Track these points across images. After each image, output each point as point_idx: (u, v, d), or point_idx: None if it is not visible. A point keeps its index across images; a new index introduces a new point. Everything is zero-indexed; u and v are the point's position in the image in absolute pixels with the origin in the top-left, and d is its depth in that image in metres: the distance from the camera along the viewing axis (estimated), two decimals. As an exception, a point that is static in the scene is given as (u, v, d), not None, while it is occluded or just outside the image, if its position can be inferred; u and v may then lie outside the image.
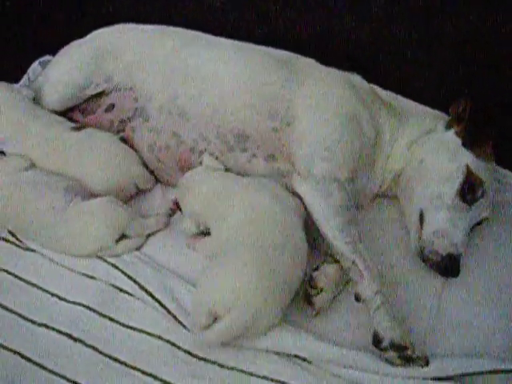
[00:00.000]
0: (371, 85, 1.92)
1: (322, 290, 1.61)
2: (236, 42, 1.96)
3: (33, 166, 1.86)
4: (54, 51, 2.17)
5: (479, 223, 1.76)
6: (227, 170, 1.83)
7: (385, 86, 1.97)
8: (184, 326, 1.58)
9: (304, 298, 1.62)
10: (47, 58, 2.33)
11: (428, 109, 1.92)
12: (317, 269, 1.65)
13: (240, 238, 1.59)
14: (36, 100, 2.00)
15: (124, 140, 1.93)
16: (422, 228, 1.72)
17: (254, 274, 1.47)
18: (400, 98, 1.93)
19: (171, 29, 2.04)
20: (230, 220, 1.64)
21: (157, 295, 1.62)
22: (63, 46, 2.13)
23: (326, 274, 1.63)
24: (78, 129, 1.92)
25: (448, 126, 1.81)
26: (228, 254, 1.56)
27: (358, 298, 1.59)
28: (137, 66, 1.96)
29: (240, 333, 1.46)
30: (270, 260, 1.51)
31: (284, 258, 1.53)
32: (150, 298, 1.63)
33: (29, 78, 2.26)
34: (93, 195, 1.79)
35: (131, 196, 1.91)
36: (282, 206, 1.64)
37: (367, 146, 1.79)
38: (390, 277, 1.71)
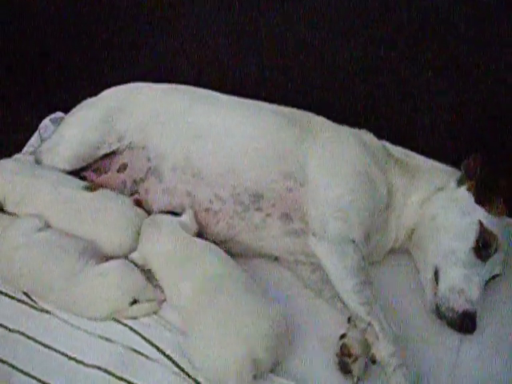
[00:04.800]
0: (381, 141, 1.93)
1: (357, 357, 1.59)
2: (247, 101, 1.99)
3: (48, 226, 1.85)
4: (64, 108, 2.18)
5: (492, 278, 1.77)
6: (241, 230, 1.85)
7: (392, 140, 1.99)
8: (205, 389, 1.56)
9: (341, 367, 1.61)
10: (58, 114, 2.35)
11: (439, 164, 1.94)
12: (344, 336, 1.64)
13: (198, 306, 1.61)
14: (48, 159, 2.00)
15: (138, 202, 1.92)
16: (437, 284, 1.72)
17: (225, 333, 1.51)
18: (411, 153, 1.95)
19: (182, 87, 2.06)
20: (183, 289, 1.67)
21: (176, 359, 1.61)
22: (74, 103, 2.16)
23: (356, 339, 1.61)
24: (91, 188, 1.92)
25: (460, 183, 1.82)
26: (196, 324, 1.59)
27: (373, 360, 1.58)
28: (149, 124, 1.97)
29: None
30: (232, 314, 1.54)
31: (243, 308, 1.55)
32: (169, 362, 1.61)
33: (40, 135, 2.26)
34: (106, 257, 1.79)
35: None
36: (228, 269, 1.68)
37: (380, 204, 1.80)
38: (406, 333, 1.71)
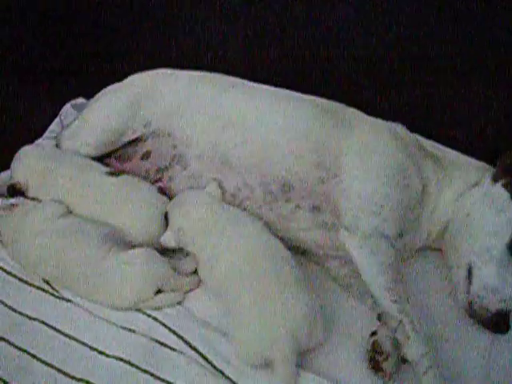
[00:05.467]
0: (414, 134, 1.89)
1: (388, 355, 1.55)
2: (278, 90, 1.94)
3: (69, 212, 1.81)
4: (86, 94, 2.13)
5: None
6: (269, 220, 1.80)
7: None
8: (231, 381, 1.52)
9: (372, 365, 1.56)
10: (80, 100, 2.31)
11: (473, 160, 1.89)
12: (375, 333, 1.60)
13: (239, 281, 1.57)
14: (70, 145, 1.96)
15: (161, 190, 1.88)
16: (470, 283, 1.68)
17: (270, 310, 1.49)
18: (444, 148, 1.91)
19: (210, 75, 2.02)
20: (222, 262, 1.63)
21: (202, 351, 1.57)
22: (96, 89, 2.11)
23: (388, 337, 1.57)
24: (114, 174, 1.88)
25: (495, 179, 1.78)
26: (236, 302, 1.55)
27: (404, 360, 1.54)
28: (175, 112, 1.93)
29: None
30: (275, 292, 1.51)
31: (281, 287, 1.53)
32: (194, 353, 1.57)
33: (61, 121, 2.21)
34: (130, 245, 1.74)
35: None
36: (271, 242, 1.64)
37: (414, 199, 1.76)
38: (436, 333, 1.67)
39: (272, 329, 1.46)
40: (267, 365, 1.47)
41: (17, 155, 1.95)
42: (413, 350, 1.52)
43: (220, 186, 1.83)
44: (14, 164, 1.94)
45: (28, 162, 1.91)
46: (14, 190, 1.88)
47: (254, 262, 1.59)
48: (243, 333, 1.51)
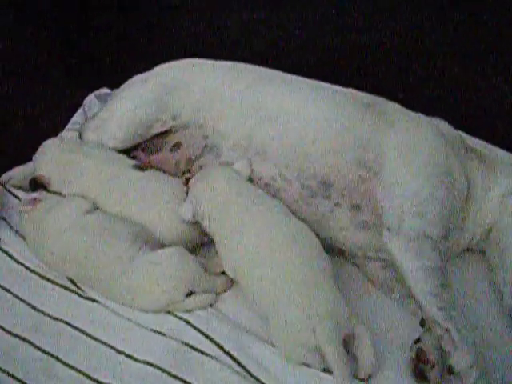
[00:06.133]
0: (458, 131, 1.81)
1: (434, 364, 1.46)
2: (316, 82, 1.85)
3: (95, 208, 1.73)
4: (110, 84, 2.04)
5: None
6: (306, 217, 1.71)
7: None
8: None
9: (416, 374, 1.48)
10: (104, 90, 2.23)
11: (520, 158, 1.80)
12: (419, 340, 1.51)
13: (261, 268, 1.50)
14: (96, 137, 1.89)
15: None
16: None
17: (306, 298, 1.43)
18: (489, 145, 1.83)
19: (243, 65, 1.94)
20: (242, 246, 1.55)
21: (236, 356, 1.49)
22: (121, 79, 2.03)
23: (433, 345, 1.49)
24: (141, 168, 1.80)
25: None
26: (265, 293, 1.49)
27: (450, 371, 1.45)
28: (207, 103, 1.84)
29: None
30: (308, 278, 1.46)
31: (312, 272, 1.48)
32: (229, 359, 1.49)
33: (85, 112, 2.13)
34: (159, 244, 1.67)
35: (198, 246, 1.77)
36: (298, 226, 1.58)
37: (459, 199, 1.67)
38: (482, 340, 1.58)
39: (311, 314, 1.40)
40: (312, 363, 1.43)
41: (40, 148, 1.87)
42: (460, 360, 1.43)
43: (253, 174, 1.75)
44: (37, 157, 1.86)
45: (51, 155, 1.83)
46: (37, 184, 1.80)
47: (280, 247, 1.52)
48: (281, 327, 1.45)
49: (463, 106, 2.08)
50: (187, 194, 1.70)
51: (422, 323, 1.57)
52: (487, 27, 1.91)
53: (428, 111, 1.84)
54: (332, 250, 1.72)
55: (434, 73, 2.09)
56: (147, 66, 2.01)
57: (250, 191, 1.67)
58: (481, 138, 1.90)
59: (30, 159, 1.90)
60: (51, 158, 1.83)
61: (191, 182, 1.71)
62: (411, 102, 1.85)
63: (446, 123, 1.81)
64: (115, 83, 2.06)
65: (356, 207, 1.68)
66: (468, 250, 1.80)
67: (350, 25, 2.10)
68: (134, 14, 2.30)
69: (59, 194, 1.79)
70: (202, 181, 1.68)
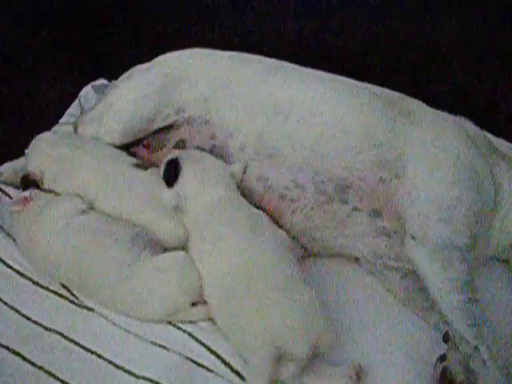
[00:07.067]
0: (483, 131, 1.71)
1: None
2: (330, 75, 1.72)
3: (91, 208, 1.60)
4: (108, 75, 1.91)
5: None
6: (323, 224, 1.61)
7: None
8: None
9: None
10: (101, 81, 2.12)
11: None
12: (444, 358, 1.40)
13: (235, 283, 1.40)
14: (92, 131, 1.77)
15: None
16: None
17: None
18: (515, 146, 1.70)
19: (250, 56, 1.81)
20: (222, 255, 1.45)
21: (243, 372, 1.38)
22: (119, 69, 1.90)
23: (460, 364, 1.37)
24: (143, 166, 1.68)
25: None
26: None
27: None
28: (213, 96, 1.72)
29: None
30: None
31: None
32: (235, 376, 1.38)
33: (80, 103, 2.00)
34: (162, 248, 1.55)
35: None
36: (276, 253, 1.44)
37: (487, 204, 1.57)
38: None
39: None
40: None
41: (32, 142, 1.76)
42: (490, 381, 1.34)
43: (265, 183, 1.63)
44: (30, 152, 1.75)
45: (44, 150, 1.71)
46: (28, 182, 1.68)
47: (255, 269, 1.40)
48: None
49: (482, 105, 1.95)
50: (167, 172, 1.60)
51: (446, 338, 1.46)
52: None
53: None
54: (347, 256, 1.64)
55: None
56: (148, 57, 1.88)
57: (239, 203, 1.56)
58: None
59: (23, 154, 1.79)
60: (44, 153, 1.71)
61: (185, 161, 1.60)
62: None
63: (472, 123, 1.70)
64: (113, 74, 1.94)
65: (376, 212, 1.58)
66: (490, 259, 1.70)
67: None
68: (134, 2, 2.16)
69: (52, 192, 1.67)
70: (199, 171, 1.58)
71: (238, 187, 1.62)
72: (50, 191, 1.68)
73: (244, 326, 1.33)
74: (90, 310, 1.53)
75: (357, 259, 1.68)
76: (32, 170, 1.70)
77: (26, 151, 1.76)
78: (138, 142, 1.78)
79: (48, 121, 1.94)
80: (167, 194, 1.56)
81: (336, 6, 1.97)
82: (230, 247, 1.44)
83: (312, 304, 1.35)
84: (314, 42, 2.06)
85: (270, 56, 1.80)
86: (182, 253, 1.52)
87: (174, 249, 1.56)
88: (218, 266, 1.43)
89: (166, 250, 1.55)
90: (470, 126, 1.68)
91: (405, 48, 1.95)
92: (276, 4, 2.05)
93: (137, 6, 2.16)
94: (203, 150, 1.69)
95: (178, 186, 1.57)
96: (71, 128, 1.82)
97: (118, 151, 1.73)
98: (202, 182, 1.57)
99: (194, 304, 1.48)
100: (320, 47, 2.05)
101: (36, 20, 2.02)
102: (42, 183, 1.69)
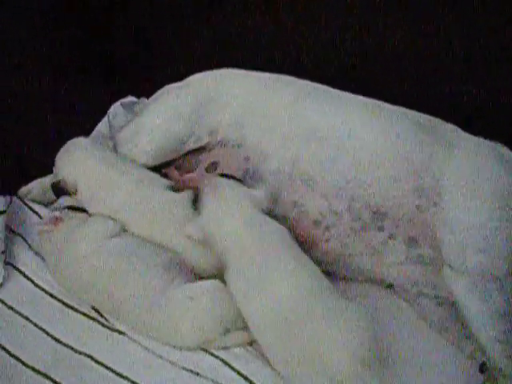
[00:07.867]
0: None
1: None
2: (365, 99, 1.70)
3: (123, 231, 1.58)
4: (137, 93, 1.89)
5: None
6: (358, 252, 1.59)
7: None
8: None
9: None
10: (130, 99, 2.09)
11: None
12: None
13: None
14: (124, 151, 1.73)
15: None
16: None
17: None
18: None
19: (287, 78, 1.77)
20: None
21: None
22: (148, 87, 1.90)
23: None
24: (177, 189, 1.64)
25: None
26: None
27: None
28: (248, 119, 1.69)
29: None
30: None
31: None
32: None
33: (109, 121, 1.99)
34: (195, 276, 1.53)
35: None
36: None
37: None
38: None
39: None
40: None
41: (65, 146, 1.71)
42: None
43: (299, 209, 1.60)
44: (61, 156, 1.70)
45: (79, 158, 1.66)
46: (59, 190, 1.64)
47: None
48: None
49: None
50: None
51: (483, 369, 1.44)
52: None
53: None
54: (381, 283, 1.62)
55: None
56: (173, 74, 1.87)
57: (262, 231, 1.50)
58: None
59: (51, 171, 1.74)
60: (79, 160, 1.66)
61: (204, 193, 1.56)
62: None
63: (507, 149, 1.66)
64: (143, 92, 1.94)
65: (412, 240, 1.55)
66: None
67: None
68: (165, 19, 2.15)
69: (82, 210, 1.64)
70: (218, 201, 1.53)
71: (268, 213, 1.57)
72: (81, 209, 1.64)
73: (301, 358, 1.31)
74: (121, 333, 1.51)
75: (390, 285, 1.65)
76: (64, 177, 1.66)
77: (57, 156, 1.70)
78: (169, 163, 1.76)
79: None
80: (193, 228, 1.53)
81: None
82: (276, 279, 1.40)
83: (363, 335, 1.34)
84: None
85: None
86: (215, 281, 1.48)
87: (205, 273, 1.54)
88: (266, 302, 1.38)
89: (197, 275, 1.54)
90: (506, 152, 1.66)
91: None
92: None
93: (165, 25, 2.15)
94: (236, 173, 1.66)
95: (201, 219, 1.54)
96: (110, 143, 1.80)
97: (153, 174, 1.69)
98: (223, 213, 1.52)
99: (225, 332, 1.45)
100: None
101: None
102: (73, 193, 1.65)
